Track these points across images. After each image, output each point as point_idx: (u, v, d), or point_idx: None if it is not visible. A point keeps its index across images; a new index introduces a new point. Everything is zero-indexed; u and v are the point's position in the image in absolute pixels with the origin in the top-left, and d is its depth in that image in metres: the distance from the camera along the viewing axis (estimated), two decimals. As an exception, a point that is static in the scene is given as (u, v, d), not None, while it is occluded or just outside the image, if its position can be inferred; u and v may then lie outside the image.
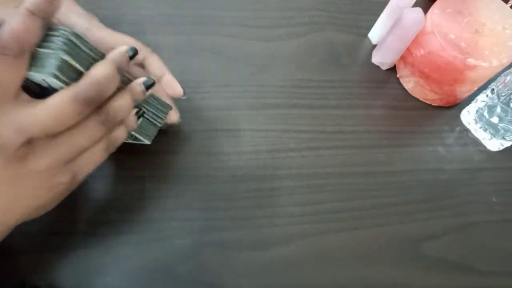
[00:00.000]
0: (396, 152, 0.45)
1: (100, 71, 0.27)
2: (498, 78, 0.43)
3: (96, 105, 0.28)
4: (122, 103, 0.29)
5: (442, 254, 0.40)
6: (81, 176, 0.30)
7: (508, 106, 0.42)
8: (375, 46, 0.51)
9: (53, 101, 0.26)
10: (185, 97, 0.38)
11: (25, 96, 0.26)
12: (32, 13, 0.24)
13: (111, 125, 0.29)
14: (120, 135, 0.31)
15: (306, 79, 0.47)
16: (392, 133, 0.46)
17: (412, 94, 0.49)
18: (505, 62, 0.42)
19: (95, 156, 0.30)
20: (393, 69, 0.50)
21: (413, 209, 0.42)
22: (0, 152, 0.25)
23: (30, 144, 0.26)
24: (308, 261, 0.37)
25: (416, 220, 0.41)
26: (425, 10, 0.44)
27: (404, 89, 0.49)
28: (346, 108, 0.46)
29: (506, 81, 0.42)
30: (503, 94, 0.42)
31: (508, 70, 0.42)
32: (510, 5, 0.46)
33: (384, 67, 0.50)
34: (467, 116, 0.48)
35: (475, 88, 0.47)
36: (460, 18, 0.44)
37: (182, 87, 0.37)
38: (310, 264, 0.37)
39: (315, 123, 0.45)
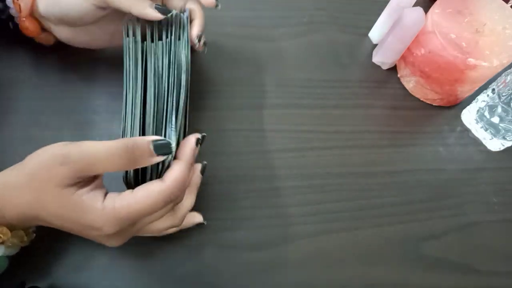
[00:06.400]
0: (396, 152, 0.45)
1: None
2: (499, 78, 0.43)
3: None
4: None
5: (442, 254, 0.40)
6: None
7: (509, 106, 0.42)
8: (375, 45, 0.51)
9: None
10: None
11: None
12: None
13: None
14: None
15: (306, 79, 0.47)
16: (392, 133, 0.46)
17: (412, 93, 0.49)
18: (506, 62, 0.42)
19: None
20: (393, 69, 0.50)
21: (413, 209, 0.42)
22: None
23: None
24: (308, 261, 0.37)
25: (416, 220, 0.41)
26: (426, 9, 0.44)
27: (405, 88, 0.49)
28: (346, 108, 0.46)
29: (507, 81, 0.42)
30: (503, 94, 0.42)
31: (509, 70, 0.42)
32: (510, 5, 0.46)
33: (384, 67, 0.50)
34: (468, 116, 0.48)
35: (476, 88, 0.47)
36: (460, 18, 0.44)
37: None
38: (310, 264, 0.37)
39: (315, 123, 0.45)
